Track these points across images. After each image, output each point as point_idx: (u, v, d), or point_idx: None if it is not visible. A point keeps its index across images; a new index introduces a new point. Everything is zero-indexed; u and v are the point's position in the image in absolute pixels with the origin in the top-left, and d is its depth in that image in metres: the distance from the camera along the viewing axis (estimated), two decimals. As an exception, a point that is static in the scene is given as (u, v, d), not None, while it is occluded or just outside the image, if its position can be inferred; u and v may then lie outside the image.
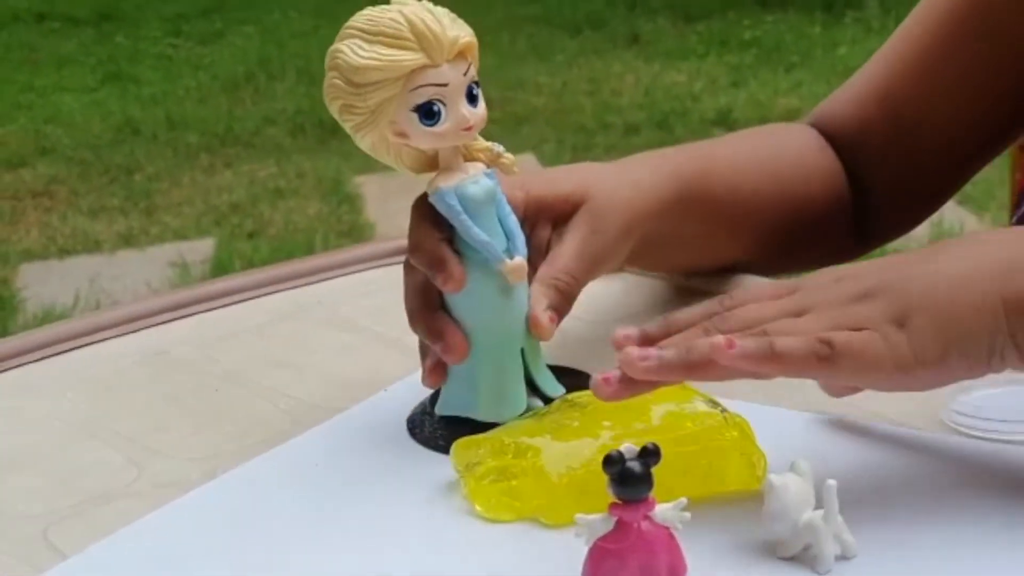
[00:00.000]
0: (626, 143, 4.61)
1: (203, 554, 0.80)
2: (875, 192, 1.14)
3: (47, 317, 3.55)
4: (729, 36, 5.66)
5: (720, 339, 0.77)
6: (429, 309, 0.88)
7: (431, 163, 0.87)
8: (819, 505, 0.75)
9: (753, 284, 0.83)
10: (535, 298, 0.89)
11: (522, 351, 0.89)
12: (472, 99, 0.84)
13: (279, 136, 5.04)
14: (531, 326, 0.88)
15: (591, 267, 0.93)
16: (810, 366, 0.77)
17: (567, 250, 0.92)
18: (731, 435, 0.82)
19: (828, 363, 0.77)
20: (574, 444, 0.81)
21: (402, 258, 1.17)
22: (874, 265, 0.82)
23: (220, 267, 3.87)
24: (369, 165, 4.66)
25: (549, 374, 0.90)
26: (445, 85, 0.83)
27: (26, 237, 4.25)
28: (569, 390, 0.89)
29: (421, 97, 0.83)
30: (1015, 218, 1.09)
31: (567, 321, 0.92)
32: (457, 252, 0.86)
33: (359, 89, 0.82)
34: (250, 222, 4.27)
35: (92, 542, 0.81)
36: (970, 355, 0.77)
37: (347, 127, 0.84)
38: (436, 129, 0.83)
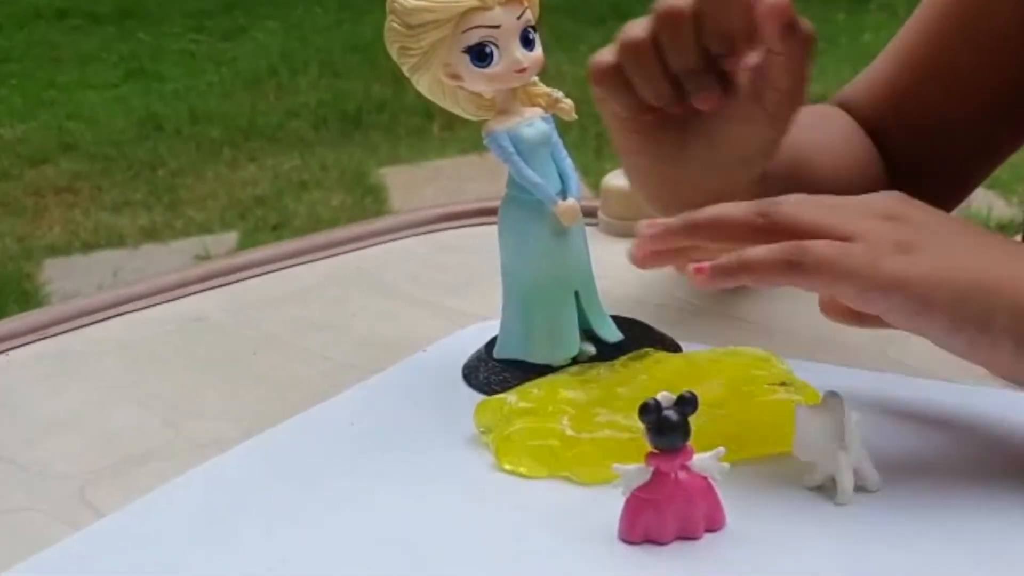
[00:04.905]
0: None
1: (242, 510, 0.79)
2: (895, 179, 1.14)
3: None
4: (752, 25, 5.65)
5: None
6: None
7: (489, 107, 0.87)
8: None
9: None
10: None
11: (576, 295, 0.88)
12: (527, 43, 0.85)
13: (302, 129, 5.04)
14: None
15: None
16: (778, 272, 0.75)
17: None
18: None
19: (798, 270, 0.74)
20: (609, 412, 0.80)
21: (441, 226, 1.17)
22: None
23: (245, 260, 3.87)
24: (393, 156, 4.66)
25: (608, 319, 0.90)
26: (497, 27, 0.83)
27: (49, 232, 4.26)
28: (628, 340, 0.89)
29: (472, 38, 0.83)
30: None
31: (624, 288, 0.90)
32: (510, 196, 0.87)
33: (413, 30, 0.83)
34: (274, 215, 4.27)
35: (129, 501, 0.80)
36: (957, 317, 0.74)
37: (404, 69, 0.86)
38: (488, 71, 0.84)
